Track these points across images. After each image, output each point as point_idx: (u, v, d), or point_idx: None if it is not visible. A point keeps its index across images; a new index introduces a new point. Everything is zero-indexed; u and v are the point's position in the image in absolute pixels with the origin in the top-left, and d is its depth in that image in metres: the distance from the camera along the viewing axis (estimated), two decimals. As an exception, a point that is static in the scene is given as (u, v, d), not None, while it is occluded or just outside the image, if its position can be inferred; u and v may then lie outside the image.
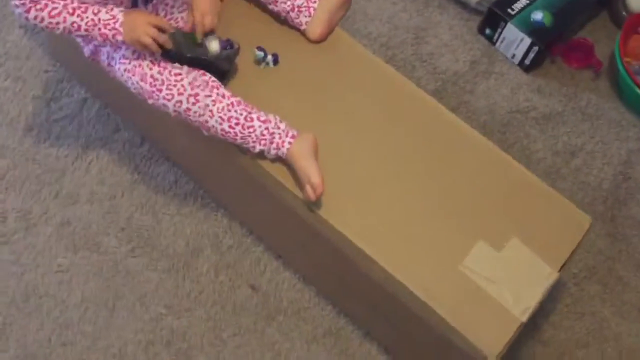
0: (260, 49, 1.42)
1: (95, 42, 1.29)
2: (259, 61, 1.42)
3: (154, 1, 1.30)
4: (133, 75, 1.27)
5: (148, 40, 1.23)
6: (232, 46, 1.33)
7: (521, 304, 1.24)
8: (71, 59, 1.75)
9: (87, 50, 1.35)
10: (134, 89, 1.29)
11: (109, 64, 1.32)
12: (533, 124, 1.96)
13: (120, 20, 1.21)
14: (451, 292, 1.24)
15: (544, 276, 1.27)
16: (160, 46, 1.24)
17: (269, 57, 1.42)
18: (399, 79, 1.47)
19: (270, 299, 1.61)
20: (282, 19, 1.47)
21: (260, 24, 1.46)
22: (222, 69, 1.34)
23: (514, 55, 2.03)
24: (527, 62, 2.01)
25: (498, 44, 2.03)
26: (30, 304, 1.54)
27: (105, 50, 1.31)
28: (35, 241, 1.60)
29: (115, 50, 1.29)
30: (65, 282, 1.57)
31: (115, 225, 1.64)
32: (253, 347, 1.55)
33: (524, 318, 1.23)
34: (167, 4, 1.32)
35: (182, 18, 1.35)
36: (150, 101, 1.29)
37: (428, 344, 1.33)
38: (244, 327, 1.57)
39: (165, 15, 1.33)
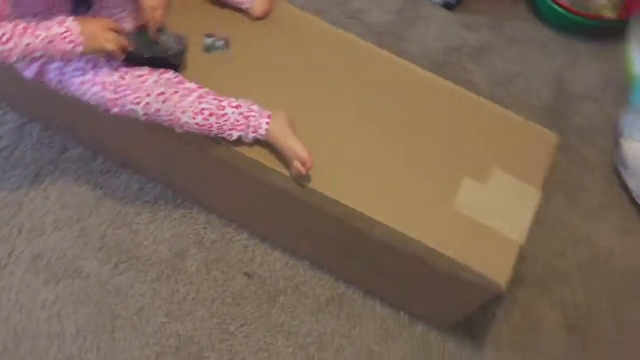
0: (208, 35, 1.38)
1: (43, 60, 1.21)
2: (209, 48, 1.39)
3: (95, 6, 1.23)
4: (93, 85, 1.21)
5: (112, 46, 1.16)
6: (182, 40, 1.29)
7: (516, 227, 1.31)
8: (-3, 85, 1.64)
9: (29, 72, 1.26)
10: (94, 100, 1.22)
11: (59, 81, 1.24)
12: (468, 59, 2.02)
13: (77, 31, 1.13)
14: (451, 232, 1.29)
15: (530, 197, 1.34)
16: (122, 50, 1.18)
17: (220, 42, 1.38)
18: (349, 38, 1.47)
19: (266, 282, 1.60)
20: (221, 2, 1.43)
21: (201, 11, 1.41)
22: (176, 65, 1.30)
23: (436, -3, 2.08)
24: (450, 1, 2.06)
25: (419, -12, 2.07)
26: (24, 346, 1.46)
27: (52, 67, 1.23)
28: (11, 282, 1.52)
29: (66, 65, 1.21)
30: (54, 316, 1.50)
31: (91, 247, 1.58)
32: (262, 332, 1.55)
33: (522, 240, 1.30)
34: (106, 7, 1.26)
35: (122, 19, 1.29)
36: (115, 109, 1.23)
37: (436, 286, 1.38)
38: (249, 316, 1.56)
39: (108, 13, 1.26)
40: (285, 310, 1.58)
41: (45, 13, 1.17)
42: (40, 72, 1.25)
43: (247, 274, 1.60)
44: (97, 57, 1.20)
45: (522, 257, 1.64)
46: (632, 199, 1.82)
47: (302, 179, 1.28)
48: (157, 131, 1.37)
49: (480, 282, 1.26)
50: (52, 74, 1.24)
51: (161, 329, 1.52)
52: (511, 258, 1.27)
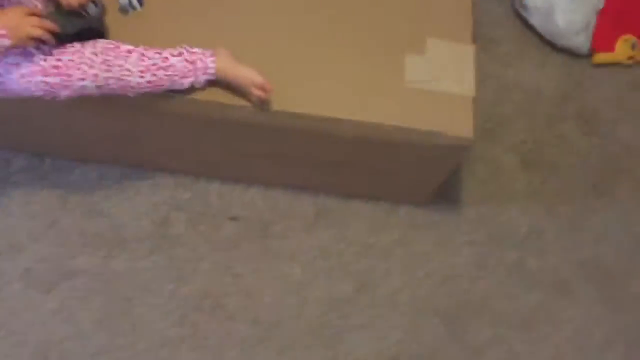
0: (122, -4, 1.36)
1: None
2: (125, 9, 1.37)
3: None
4: (33, 75, 1.18)
5: (38, 32, 1.14)
6: (98, 4, 1.27)
7: (465, 83, 1.42)
8: None
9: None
10: (40, 89, 1.20)
11: (-1, 83, 1.20)
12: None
13: None
14: (411, 107, 1.38)
15: (467, 53, 1.45)
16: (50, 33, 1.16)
17: (135, 1, 1.37)
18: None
19: (253, 219, 1.66)
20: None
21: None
22: (101, 31, 1.29)
23: None
24: None
25: None
26: (52, 356, 1.47)
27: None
28: (13, 304, 1.50)
29: (-1, 65, 1.18)
30: (68, 318, 1.51)
31: (74, 245, 1.57)
32: (267, 264, 1.62)
33: (472, 93, 1.41)
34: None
35: (32, 2, 1.25)
36: (64, 92, 1.21)
37: (411, 163, 1.49)
38: (249, 255, 1.62)
39: (11, 3, 1.21)
40: (280, 238, 1.65)
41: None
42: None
43: (232, 218, 1.65)
44: (27, 48, 1.17)
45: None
46: (539, 36, 1.98)
47: (262, 105, 1.33)
48: (108, 110, 1.37)
49: (451, 141, 1.37)
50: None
51: (174, 295, 1.56)
52: (469, 111, 1.39)
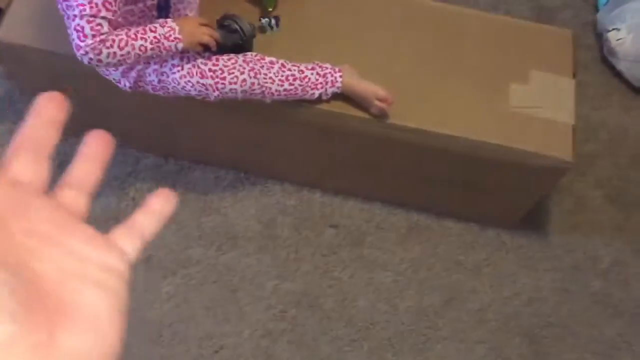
0: (263, 17, 1.55)
1: (139, 67, 1.35)
2: (265, 29, 1.56)
3: (171, 11, 1.39)
4: (192, 76, 1.36)
5: (208, 39, 1.33)
6: (252, 25, 1.46)
7: (564, 112, 1.54)
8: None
9: (128, 81, 1.40)
10: (196, 90, 1.38)
11: (160, 81, 1.39)
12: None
13: (177, 29, 1.29)
14: (514, 129, 1.50)
15: (568, 85, 1.57)
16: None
17: (273, 22, 1.55)
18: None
19: (351, 228, 1.79)
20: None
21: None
22: (250, 48, 1.47)
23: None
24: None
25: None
26: (165, 335, 1.60)
27: (149, 71, 1.37)
28: (134, 285, 1.64)
29: (162, 66, 1.36)
30: (181, 303, 1.64)
31: (191, 237, 1.72)
32: (362, 270, 1.74)
33: (572, 121, 1.53)
34: (178, 9, 1.41)
35: (196, 15, 1.45)
36: (215, 93, 1.39)
37: (510, 183, 1.60)
38: (346, 260, 1.74)
39: (180, 17, 1.41)
40: (375, 248, 1.77)
41: (139, 23, 1.32)
42: (139, 78, 1.39)
43: (332, 226, 1.78)
44: (190, 52, 1.36)
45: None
46: (627, 82, 2.09)
47: (382, 117, 1.47)
48: (235, 116, 1.54)
49: (551, 162, 1.48)
50: (150, 77, 1.39)
51: (276, 290, 1.68)
52: (569, 137, 1.50)
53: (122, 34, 1.23)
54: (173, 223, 1.73)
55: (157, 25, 1.28)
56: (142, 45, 1.25)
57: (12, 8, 1.53)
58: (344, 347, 1.65)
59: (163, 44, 1.27)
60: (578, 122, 2.00)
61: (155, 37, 1.26)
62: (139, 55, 1.25)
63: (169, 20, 1.30)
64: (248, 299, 1.67)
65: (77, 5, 1.18)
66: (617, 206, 1.89)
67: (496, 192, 1.66)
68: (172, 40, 1.29)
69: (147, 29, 1.26)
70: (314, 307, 1.68)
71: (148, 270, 1.67)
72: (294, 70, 1.43)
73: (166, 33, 1.28)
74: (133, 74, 1.38)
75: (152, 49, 1.26)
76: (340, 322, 1.67)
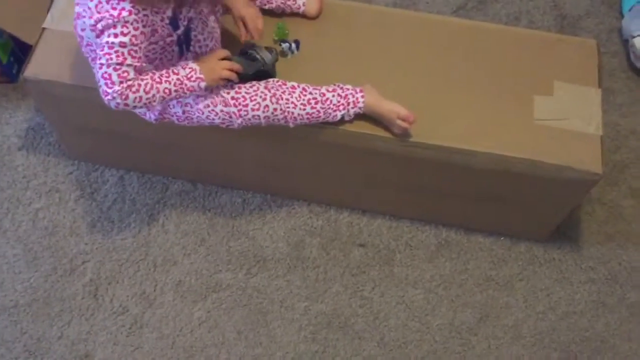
0: (284, 41, 1.57)
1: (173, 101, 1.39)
2: (285, 53, 1.57)
3: (192, 43, 1.41)
4: (215, 105, 1.39)
5: (228, 74, 1.36)
6: (273, 51, 1.48)
7: (592, 123, 1.51)
8: (87, 150, 1.80)
9: (153, 114, 1.43)
10: (220, 118, 1.40)
11: (184, 112, 1.41)
12: (475, 12, 2.24)
13: (198, 69, 1.33)
14: (542, 142, 1.48)
15: (594, 96, 1.55)
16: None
17: (294, 46, 1.57)
18: (396, 13, 1.68)
19: (379, 247, 1.78)
20: (279, 13, 1.62)
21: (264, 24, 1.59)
22: (272, 74, 1.49)
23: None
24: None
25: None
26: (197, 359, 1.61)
27: (174, 102, 1.40)
28: (165, 311, 1.67)
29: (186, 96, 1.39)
30: (213, 327, 1.65)
31: (221, 261, 1.74)
32: (392, 289, 1.72)
33: (600, 132, 1.50)
34: (199, 40, 1.43)
35: (214, 46, 1.47)
36: (239, 121, 1.40)
37: (538, 197, 1.58)
38: (376, 279, 1.74)
39: (201, 48, 1.44)
40: (405, 265, 1.76)
41: (162, 60, 1.35)
42: (163, 111, 1.42)
43: (361, 245, 1.78)
44: (220, 85, 1.39)
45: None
46: (655, 87, 2.05)
47: (404, 136, 1.47)
48: (260, 142, 1.55)
49: (580, 175, 1.46)
50: (175, 109, 1.42)
51: (307, 312, 1.68)
52: (598, 148, 1.48)
53: (147, 78, 1.27)
54: (202, 248, 1.75)
55: (179, 67, 1.32)
56: (166, 88, 1.29)
57: (40, 45, 1.57)
58: (376, 367, 1.63)
59: (186, 84, 1.32)
60: (607, 130, 1.98)
61: (178, 79, 1.30)
62: (164, 97, 1.30)
63: (189, 62, 1.34)
64: (279, 321, 1.67)
65: (104, 55, 1.23)
66: (653, 214, 1.85)
67: (525, 206, 1.63)
68: (194, 81, 1.32)
69: (170, 71, 1.31)
70: (345, 328, 1.67)
71: (178, 295, 1.68)
72: (315, 93, 1.44)
73: (188, 74, 1.32)
74: (158, 106, 1.40)
75: (175, 90, 1.31)
76: (372, 342, 1.66)
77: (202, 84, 1.34)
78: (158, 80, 1.29)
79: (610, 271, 1.76)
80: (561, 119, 1.51)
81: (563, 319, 1.70)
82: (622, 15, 2.16)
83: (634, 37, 2.05)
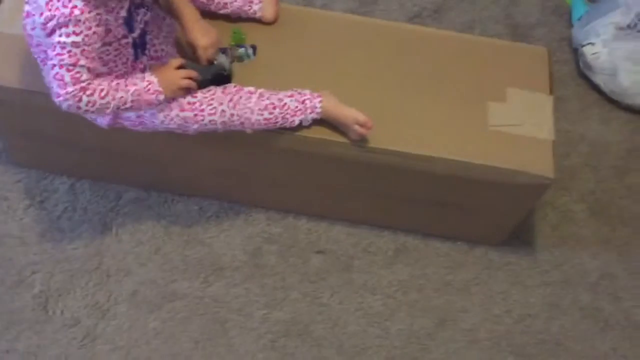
0: (239, 46, 1.55)
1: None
2: (242, 58, 1.56)
3: (148, 46, 1.39)
4: (171, 110, 1.36)
5: (186, 83, 1.34)
6: (229, 52, 1.46)
7: (544, 129, 1.55)
8: (36, 157, 1.74)
9: (104, 119, 1.40)
10: (175, 123, 1.37)
11: (138, 116, 1.38)
12: (430, 20, 2.26)
13: (155, 81, 1.30)
14: (494, 148, 1.51)
15: (546, 102, 1.58)
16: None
17: (250, 51, 1.55)
18: (353, 19, 1.68)
19: (338, 253, 1.78)
20: (235, 18, 1.61)
21: (218, 28, 1.57)
22: (229, 77, 1.47)
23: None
24: (397, -24, 2.30)
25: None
26: (154, 372, 1.57)
27: (128, 108, 1.37)
28: (120, 322, 1.62)
29: (142, 100, 1.36)
30: (169, 338, 1.62)
31: (177, 270, 1.70)
32: (351, 295, 1.72)
33: (552, 137, 1.54)
34: (154, 45, 1.41)
35: (170, 50, 1.44)
36: (195, 126, 1.38)
37: (493, 201, 1.60)
38: (335, 285, 1.73)
39: (157, 52, 1.41)
40: (363, 271, 1.76)
41: (116, 63, 1.32)
42: (116, 115, 1.39)
43: (319, 252, 1.77)
44: (178, 96, 1.36)
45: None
46: (605, 95, 2.11)
47: (361, 141, 1.47)
48: (217, 148, 1.53)
49: (532, 179, 1.49)
50: (128, 113, 1.38)
51: (266, 320, 1.66)
52: (549, 153, 1.51)
53: (103, 84, 1.24)
54: (157, 256, 1.71)
55: (136, 79, 1.30)
56: (122, 97, 1.27)
57: (-14, 48, 1.52)
58: (336, 374, 1.62)
59: (143, 97, 1.30)
60: (558, 136, 2.01)
61: (136, 90, 1.28)
62: (118, 106, 1.27)
63: (146, 73, 1.32)
64: (237, 330, 1.65)
65: (56, 55, 1.19)
66: (602, 219, 1.90)
67: (480, 211, 1.66)
68: (152, 93, 1.30)
69: (128, 81, 1.29)
70: (303, 335, 1.66)
71: (133, 306, 1.64)
72: (273, 98, 1.43)
73: (146, 87, 1.30)
74: (112, 112, 1.37)
75: (132, 101, 1.28)
76: (331, 349, 1.65)
77: (161, 97, 1.32)
78: (115, 87, 1.26)
79: (564, 274, 1.80)
80: (514, 125, 1.54)
81: (518, 322, 1.73)
82: (571, 25, 2.22)
83: (583, 45, 2.11)
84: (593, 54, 2.08)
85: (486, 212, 1.65)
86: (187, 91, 1.37)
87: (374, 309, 1.71)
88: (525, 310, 1.74)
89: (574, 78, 2.16)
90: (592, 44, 2.08)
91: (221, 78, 1.43)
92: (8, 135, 1.70)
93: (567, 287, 1.78)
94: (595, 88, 2.12)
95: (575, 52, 2.17)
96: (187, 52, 1.43)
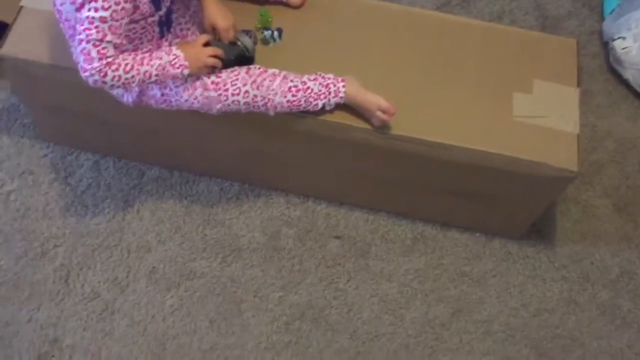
0: (266, 29, 1.55)
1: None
2: (267, 41, 1.56)
3: (173, 24, 1.40)
4: (195, 89, 1.37)
5: (213, 61, 1.35)
6: (252, 34, 1.46)
7: (569, 121, 1.53)
8: (62, 133, 1.77)
9: (130, 96, 1.41)
10: (199, 102, 1.39)
11: (162, 94, 1.39)
12: (458, 9, 2.24)
13: (182, 56, 1.31)
14: (519, 139, 1.49)
15: (572, 94, 1.56)
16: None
17: (276, 34, 1.56)
18: (380, 5, 1.67)
19: (355, 239, 1.78)
20: (262, 1, 1.61)
21: (246, 10, 1.57)
22: (252, 58, 1.47)
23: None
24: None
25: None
26: (169, 348, 1.60)
27: (153, 85, 1.38)
28: (137, 298, 1.65)
29: (166, 79, 1.37)
30: (185, 316, 1.64)
31: (196, 249, 1.72)
32: (367, 281, 1.73)
33: (577, 130, 1.52)
34: (180, 23, 1.42)
35: (195, 30, 1.45)
36: (218, 106, 1.39)
37: (514, 193, 1.59)
38: (351, 271, 1.73)
39: (182, 31, 1.43)
40: (380, 259, 1.76)
41: (142, 40, 1.33)
42: (142, 93, 1.40)
43: (337, 237, 1.77)
44: (203, 73, 1.37)
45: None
46: (634, 91, 2.07)
47: (384, 128, 1.47)
48: (239, 129, 1.54)
49: (556, 172, 1.47)
50: (153, 91, 1.40)
51: (281, 302, 1.68)
52: (574, 146, 1.49)
53: (128, 59, 1.26)
54: (177, 235, 1.73)
55: (162, 52, 1.30)
56: (147, 71, 1.28)
57: (17, 23, 1.54)
58: (349, 359, 1.63)
59: (168, 71, 1.30)
60: (584, 131, 1.99)
61: (160, 64, 1.29)
62: (143, 80, 1.28)
63: (173, 47, 1.32)
64: (252, 311, 1.66)
65: (84, 30, 1.21)
66: (625, 215, 1.87)
67: (501, 202, 1.64)
68: (178, 68, 1.31)
69: (153, 55, 1.29)
70: (318, 319, 1.67)
71: (151, 282, 1.67)
72: (297, 81, 1.43)
73: (172, 61, 1.30)
74: (136, 88, 1.38)
75: (157, 75, 1.29)
76: (345, 334, 1.66)
77: (186, 71, 1.33)
78: (139, 62, 1.27)
79: (583, 270, 1.78)
80: (539, 117, 1.52)
81: (535, 315, 1.71)
82: (603, 18, 2.18)
83: (614, 39, 2.07)
84: (624, 48, 2.04)
85: (507, 204, 1.64)
86: (212, 69, 1.38)
87: (390, 296, 1.71)
88: (542, 304, 1.73)
89: (603, 72, 2.12)
90: (623, 38, 2.04)
91: (244, 59, 1.43)
92: (36, 111, 1.73)
93: (585, 283, 1.76)
94: (624, 83, 2.08)
95: (606, 45, 2.13)
96: (208, 33, 1.43)
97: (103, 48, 1.22)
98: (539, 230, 1.81)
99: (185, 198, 1.78)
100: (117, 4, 1.20)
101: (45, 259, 1.67)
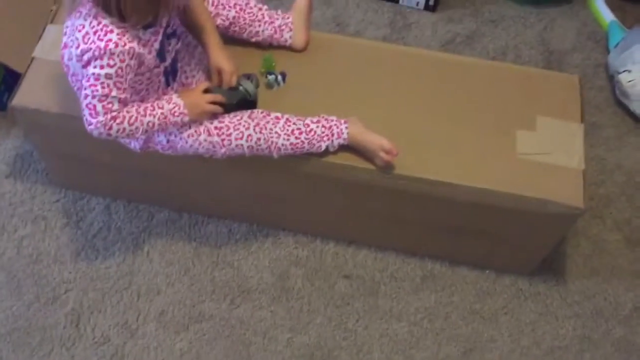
0: (270, 73, 1.58)
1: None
2: (271, 85, 1.59)
3: (178, 73, 1.43)
4: (199, 135, 1.40)
5: (212, 107, 1.38)
6: (254, 78, 1.49)
7: (574, 158, 1.52)
8: (74, 178, 1.80)
9: (137, 143, 1.44)
10: (204, 147, 1.41)
11: (168, 141, 1.42)
12: (463, 46, 2.27)
13: (182, 104, 1.35)
14: (523, 177, 1.49)
15: (576, 130, 1.56)
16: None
17: (280, 78, 1.59)
18: (380, 46, 1.70)
19: (364, 278, 1.77)
20: (266, 45, 1.64)
21: (249, 55, 1.61)
22: (254, 102, 1.50)
23: (417, 3, 2.33)
24: (430, 3, 2.32)
25: (401, 0, 2.33)
26: (179, 392, 1.59)
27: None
28: (147, 342, 1.66)
29: (171, 125, 1.41)
30: (194, 359, 1.64)
31: (204, 291, 1.73)
32: (377, 321, 1.72)
33: (582, 166, 1.51)
34: (185, 71, 1.45)
35: (201, 77, 1.49)
36: (222, 150, 1.41)
37: (521, 231, 1.58)
38: (360, 311, 1.73)
39: (187, 79, 1.46)
40: (389, 297, 1.75)
41: (148, 90, 1.37)
42: (148, 140, 1.43)
43: (346, 277, 1.77)
44: (204, 119, 1.40)
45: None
46: (640, 122, 2.07)
47: (387, 168, 1.48)
48: (245, 172, 1.56)
49: (562, 209, 1.47)
50: (159, 138, 1.43)
51: (290, 344, 1.67)
52: (580, 182, 1.49)
53: (132, 111, 1.29)
54: (186, 277, 1.74)
55: (163, 102, 1.34)
56: (150, 121, 1.31)
57: (29, 74, 1.59)
58: (359, 401, 1.61)
59: (169, 119, 1.34)
60: (593, 164, 1.99)
61: (162, 114, 1.33)
62: (147, 130, 1.32)
63: (174, 96, 1.36)
64: (261, 353, 1.66)
65: (90, 86, 1.24)
66: (637, 249, 1.85)
67: (509, 239, 1.64)
68: (178, 116, 1.35)
69: (155, 105, 1.33)
70: (328, 361, 1.66)
71: (161, 326, 1.67)
72: (300, 124, 1.45)
73: (172, 109, 1.34)
74: (142, 136, 1.41)
75: (159, 124, 1.33)
76: (355, 376, 1.65)
77: (186, 119, 1.36)
78: (142, 113, 1.31)
79: (596, 306, 1.75)
80: (544, 154, 1.53)
81: (548, 354, 1.69)
82: (608, 51, 2.19)
83: (619, 73, 2.07)
84: (629, 81, 2.05)
85: (515, 241, 1.63)
86: (213, 115, 1.41)
87: (400, 335, 1.70)
88: (555, 342, 1.70)
89: (610, 105, 2.12)
90: (629, 71, 2.05)
91: (246, 103, 1.46)
92: (48, 158, 1.77)
93: (599, 319, 1.73)
94: (632, 115, 2.08)
95: (611, 79, 2.13)
96: (213, 77, 1.46)
97: (108, 103, 1.25)
98: (549, 265, 1.80)
99: (194, 240, 1.80)
100: (122, 61, 1.23)
101: (56, 303, 1.69)
